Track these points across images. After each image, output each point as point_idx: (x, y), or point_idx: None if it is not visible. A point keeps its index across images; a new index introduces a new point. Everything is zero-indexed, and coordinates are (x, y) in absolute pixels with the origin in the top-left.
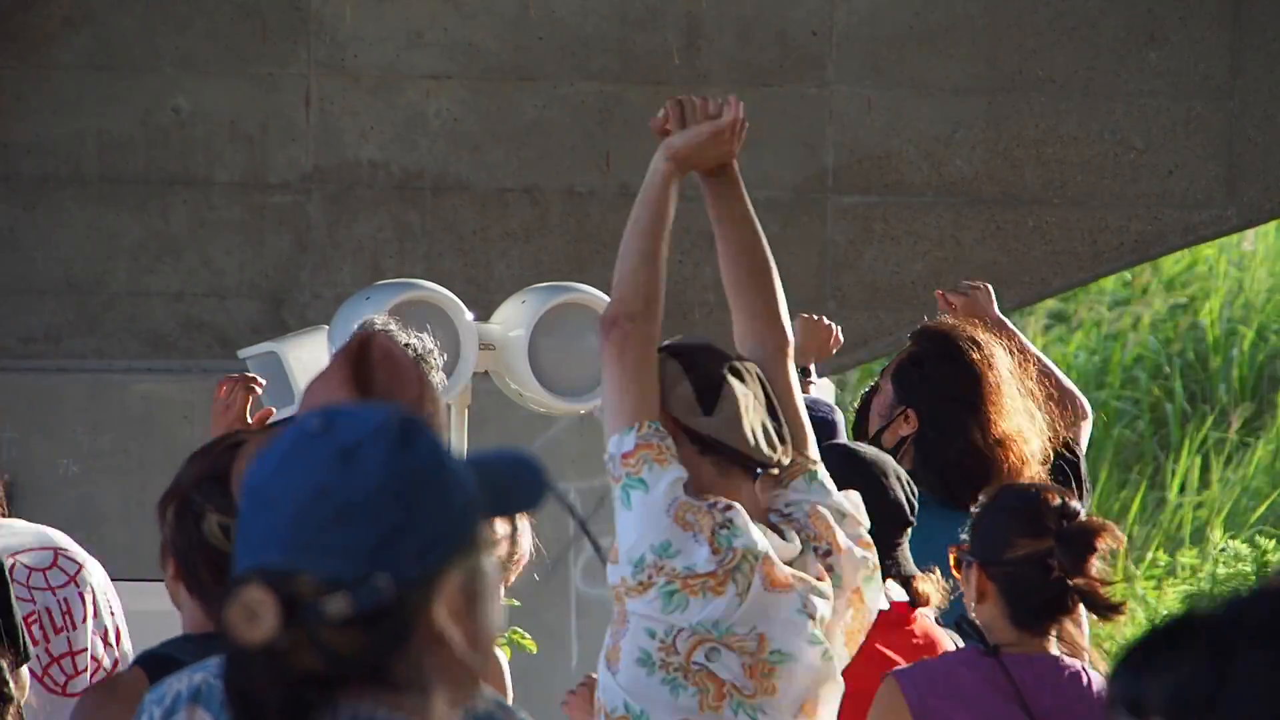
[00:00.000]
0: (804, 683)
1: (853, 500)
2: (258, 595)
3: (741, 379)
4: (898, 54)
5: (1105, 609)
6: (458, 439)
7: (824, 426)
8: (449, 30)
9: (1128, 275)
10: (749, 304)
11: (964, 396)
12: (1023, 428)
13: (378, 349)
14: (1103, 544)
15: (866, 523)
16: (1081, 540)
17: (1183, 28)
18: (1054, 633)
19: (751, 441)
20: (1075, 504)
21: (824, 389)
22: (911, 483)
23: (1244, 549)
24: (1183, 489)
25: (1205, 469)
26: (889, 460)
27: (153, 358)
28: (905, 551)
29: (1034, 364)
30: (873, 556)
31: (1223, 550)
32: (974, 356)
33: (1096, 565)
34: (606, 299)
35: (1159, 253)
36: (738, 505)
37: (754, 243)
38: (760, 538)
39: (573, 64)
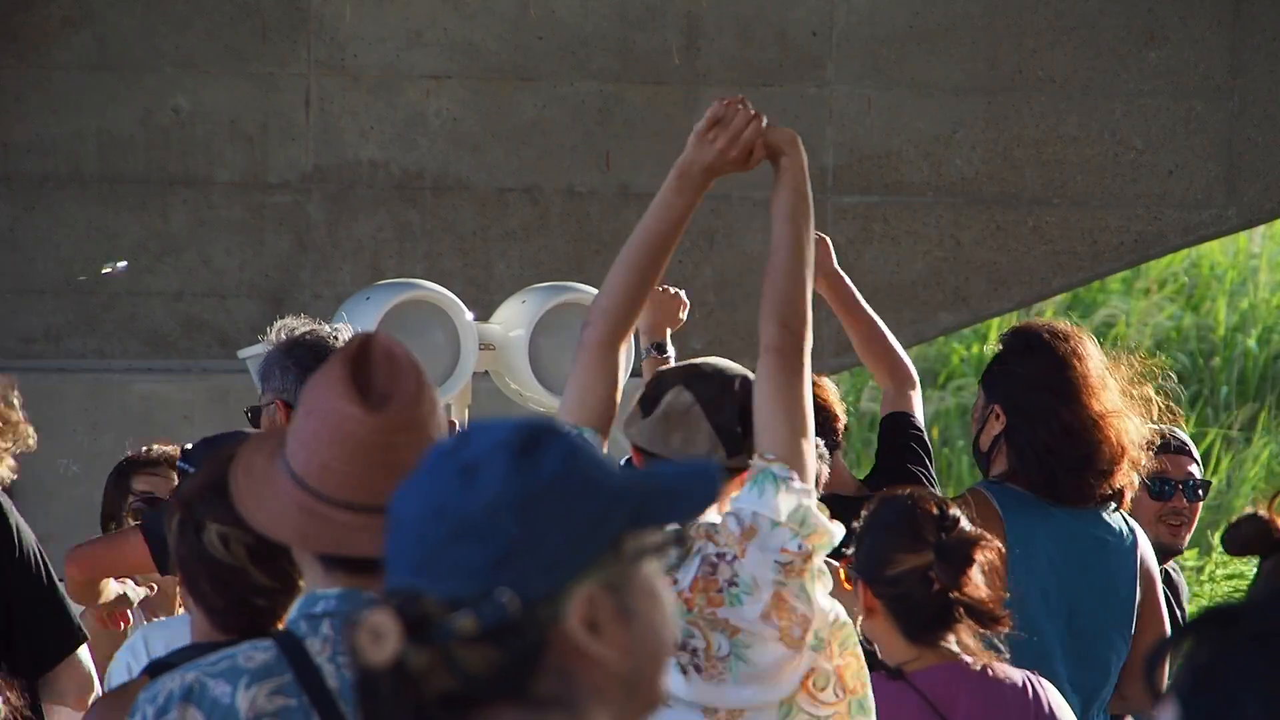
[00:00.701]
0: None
1: (808, 500)
2: (382, 617)
3: (697, 387)
4: (897, 54)
5: (989, 620)
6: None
7: None
8: (449, 30)
9: (1128, 275)
10: (764, 293)
11: (1046, 381)
12: (1119, 407)
13: (379, 349)
14: (981, 555)
15: (806, 530)
16: (959, 553)
17: (1183, 27)
18: (951, 639)
19: (672, 445)
20: (954, 512)
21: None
22: None
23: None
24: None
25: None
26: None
27: (153, 358)
28: None
29: (866, 322)
30: (799, 564)
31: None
32: (1056, 345)
33: (975, 576)
34: None
35: (1159, 253)
36: None
37: (775, 242)
38: None
39: (573, 64)
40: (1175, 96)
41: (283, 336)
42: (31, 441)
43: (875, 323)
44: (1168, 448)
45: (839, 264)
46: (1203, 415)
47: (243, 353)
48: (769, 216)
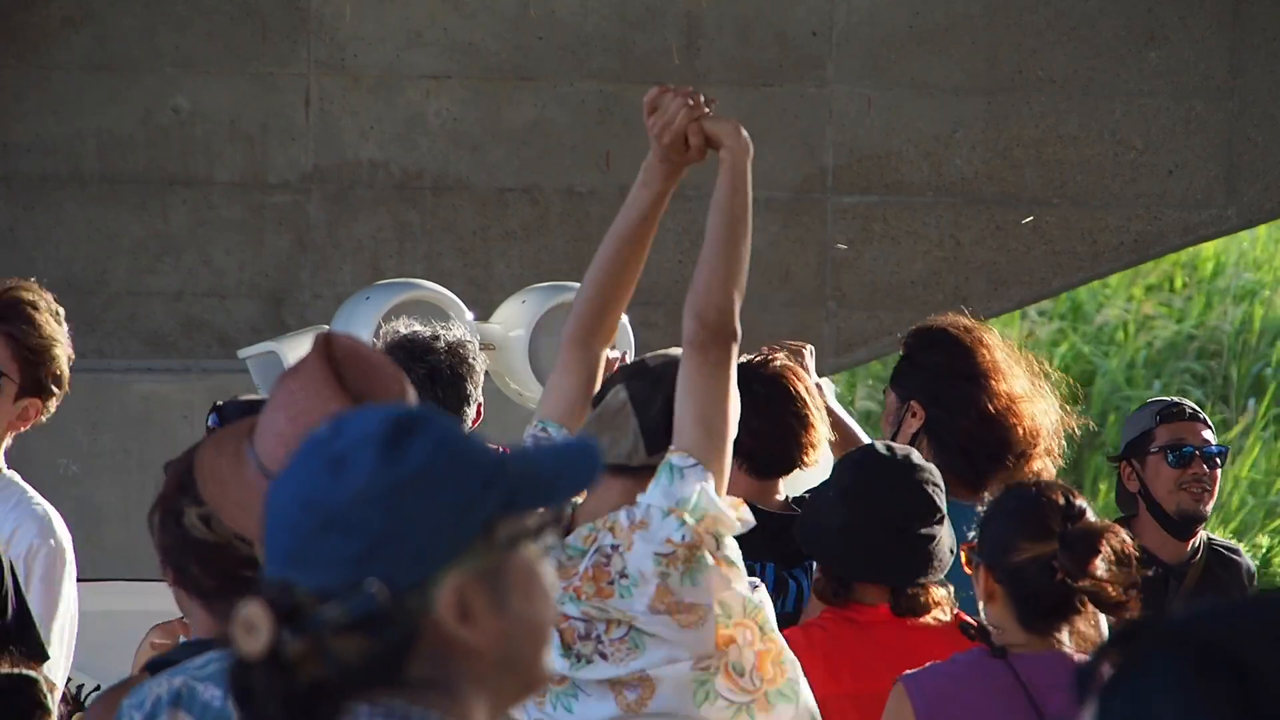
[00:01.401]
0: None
1: (699, 489)
2: (255, 609)
3: (635, 385)
4: (897, 54)
5: (1113, 607)
6: None
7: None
8: (449, 30)
9: (1132, 274)
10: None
11: (961, 371)
12: (1028, 389)
13: (340, 349)
14: (1106, 545)
15: (697, 514)
16: (1084, 543)
17: (1183, 27)
18: (1064, 631)
19: (604, 446)
20: (1080, 502)
21: (826, 389)
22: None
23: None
24: None
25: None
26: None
27: (153, 357)
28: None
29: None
30: (683, 553)
31: None
32: (960, 336)
33: (1101, 566)
34: None
35: (1159, 252)
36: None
37: (708, 229)
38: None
39: (572, 64)
40: (1175, 96)
41: (389, 337)
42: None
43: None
44: (1182, 415)
45: (839, 264)
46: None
47: (243, 352)
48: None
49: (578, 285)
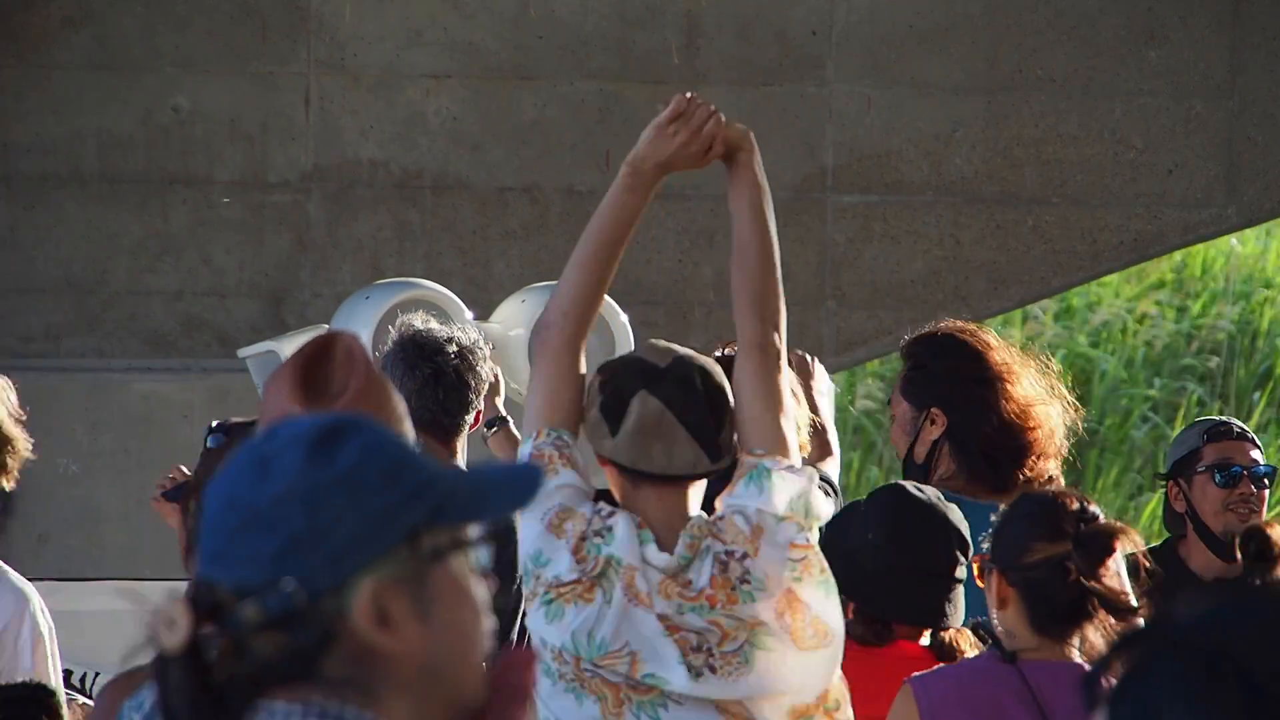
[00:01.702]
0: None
1: (799, 497)
2: (175, 605)
3: (661, 391)
4: (897, 53)
5: (1124, 612)
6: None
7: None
8: (449, 30)
9: (1133, 273)
10: (733, 296)
11: (975, 376)
12: (1040, 392)
13: (340, 349)
14: (1120, 546)
15: (821, 510)
16: (1098, 543)
17: (1182, 27)
18: (1075, 640)
19: (654, 458)
20: (1094, 508)
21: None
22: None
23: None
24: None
25: None
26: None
27: (152, 357)
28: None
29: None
30: (813, 557)
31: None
32: (966, 341)
33: (1114, 567)
34: (606, 299)
35: (1159, 252)
36: (625, 513)
37: (744, 236)
38: (632, 548)
39: (572, 63)
40: (1175, 96)
41: (404, 331)
42: (27, 450)
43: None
44: (1230, 434)
45: (838, 263)
46: (1207, 413)
47: (243, 352)
48: (732, 211)
49: None
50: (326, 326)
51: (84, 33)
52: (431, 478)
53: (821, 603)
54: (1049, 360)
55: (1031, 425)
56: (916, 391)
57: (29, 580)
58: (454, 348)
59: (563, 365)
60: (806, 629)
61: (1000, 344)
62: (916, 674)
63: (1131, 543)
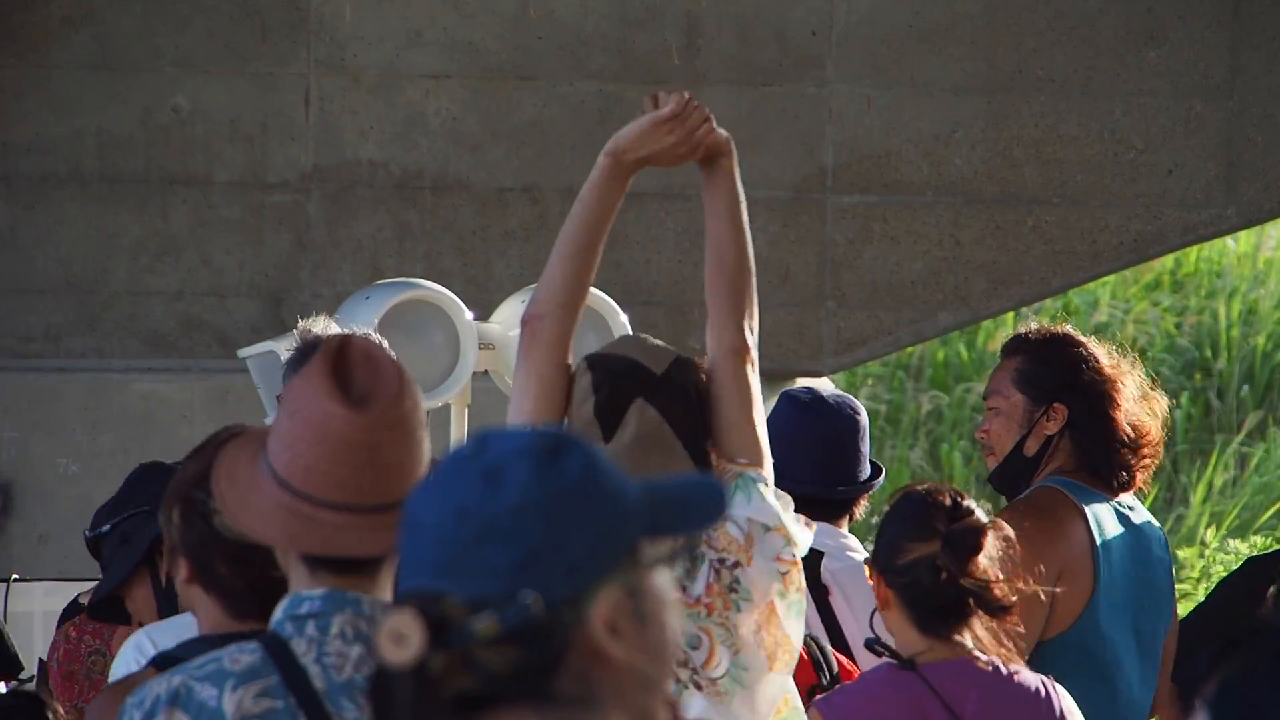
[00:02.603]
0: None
1: (784, 512)
2: (405, 618)
3: (659, 400)
4: (897, 53)
5: (997, 609)
6: (457, 438)
7: (852, 423)
8: (449, 30)
9: (1129, 275)
10: (710, 300)
11: (1099, 378)
12: (1143, 404)
13: (357, 350)
14: (989, 542)
15: (799, 537)
16: (966, 540)
17: (1182, 27)
18: (965, 635)
19: (649, 471)
20: (968, 503)
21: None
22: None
23: (1245, 549)
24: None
25: (1214, 473)
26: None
27: (152, 357)
28: None
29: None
30: (795, 574)
31: (1219, 549)
32: (1085, 342)
33: (983, 564)
34: (606, 298)
35: (1159, 252)
36: None
37: (724, 241)
38: None
39: (572, 64)
40: (1175, 96)
41: (303, 338)
42: None
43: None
44: None
45: (838, 264)
46: (1205, 416)
47: (243, 352)
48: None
49: None
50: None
51: (84, 33)
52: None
53: (793, 622)
54: (1141, 372)
55: (1144, 431)
56: (1036, 384)
57: (29, 580)
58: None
59: (557, 358)
60: (778, 649)
61: (1106, 350)
62: (820, 697)
63: (1004, 539)
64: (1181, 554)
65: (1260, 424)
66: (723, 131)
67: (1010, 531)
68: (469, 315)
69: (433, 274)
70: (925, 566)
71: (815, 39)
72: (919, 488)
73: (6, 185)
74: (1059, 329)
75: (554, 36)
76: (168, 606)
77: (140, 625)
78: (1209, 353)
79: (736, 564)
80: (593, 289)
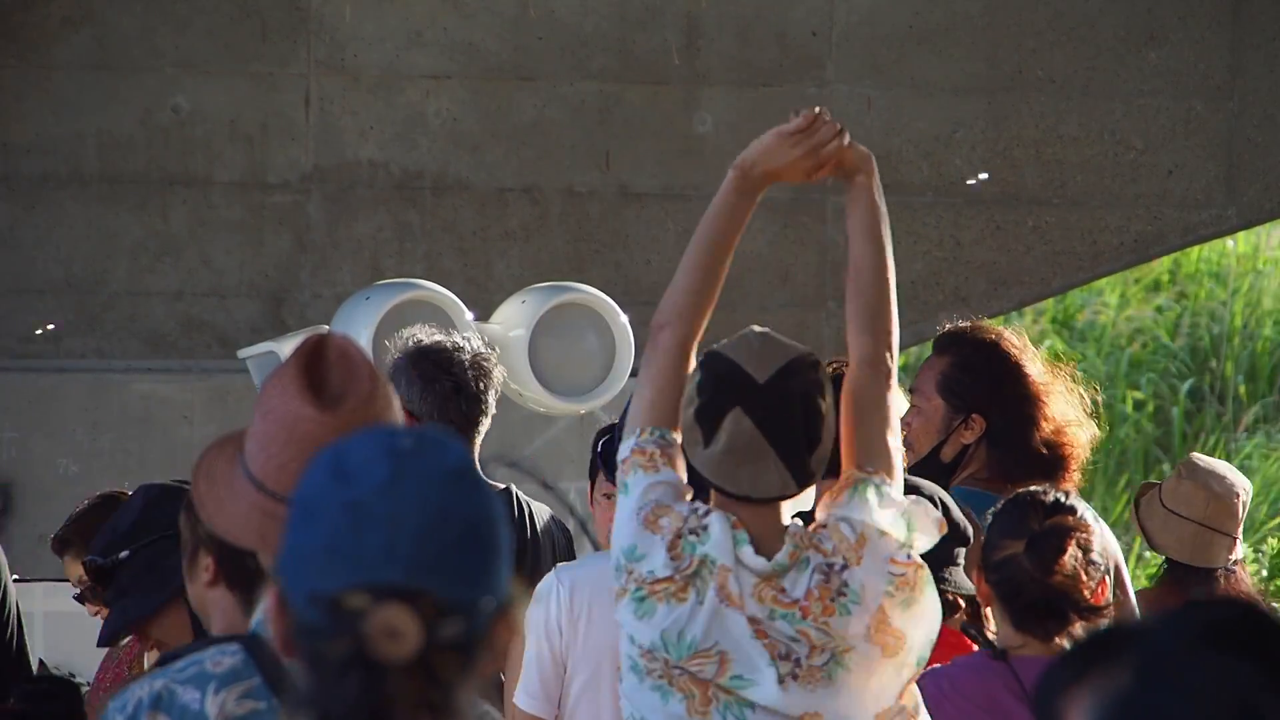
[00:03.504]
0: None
1: (908, 517)
2: (398, 613)
3: (758, 411)
4: (897, 54)
5: (1085, 610)
6: None
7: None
8: (449, 30)
9: (1133, 274)
10: (848, 313)
11: (1024, 391)
12: (1074, 414)
13: (333, 349)
14: (1074, 545)
15: (919, 541)
16: (1048, 542)
17: (1182, 27)
18: (1065, 637)
19: (740, 482)
20: (1071, 503)
21: None
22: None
23: (1247, 550)
24: None
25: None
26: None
27: (153, 358)
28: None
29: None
30: (912, 574)
31: None
32: (1014, 352)
33: (1070, 564)
34: (606, 299)
35: (1159, 253)
36: (719, 513)
37: (860, 256)
38: (726, 547)
39: (573, 64)
40: (1175, 96)
41: (409, 345)
42: None
43: None
44: None
45: (838, 264)
46: (1207, 417)
47: (243, 353)
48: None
49: (578, 285)
50: (326, 328)
51: (84, 33)
52: None
53: (905, 620)
54: (1073, 375)
55: (1065, 443)
56: (958, 393)
57: (29, 580)
58: (467, 357)
59: (674, 364)
60: (891, 642)
61: (1035, 355)
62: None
63: (1087, 539)
64: None
65: (1258, 423)
66: (862, 148)
67: (1098, 535)
68: (469, 315)
69: (433, 274)
70: (1014, 564)
71: (815, 39)
72: (1034, 487)
73: (7, 185)
74: (991, 335)
75: (554, 37)
76: (204, 633)
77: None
78: (1208, 353)
79: (845, 566)
80: (592, 289)
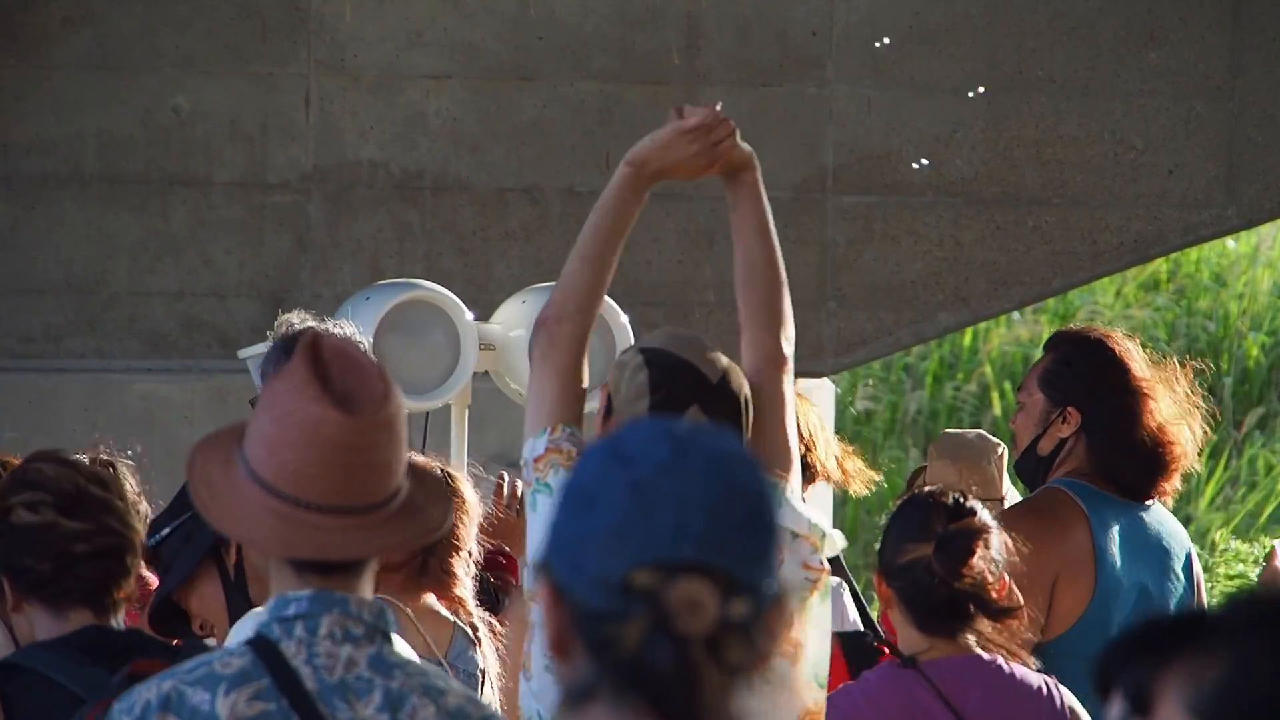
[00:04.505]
0: None
1: (813, 519)
2: (699, 586)
3: (714, 407)
4: (897, 54)
5: (996, 612)
6: (458, 439)
7: None
8: (449, 30)
9: (1130, 275)
10: (743, 312)
11: (1124, 385)
12: (1179, 414)
13: (329, 348)
14: (982, 546)
15: (827, 547)
16: (958, 544)
17: (1182, 27)
18: (968, 635)
19: None
20: (971, 505)
21: (825, 390)
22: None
23: (1246, 549)
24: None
25: (1210, 471)
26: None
27: (153, 358)
28: None
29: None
30: (823, 579)
31: (1225, 550)
32: (1117, 349)
33: (978, 566)
34: (606, 299)
35: (1159, 253)
36: None
37: (755, 253)
38: None
39: (573, 64)
40: (1175, 96)
41: (281, 331)
42: None
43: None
44: None
45: (838, 264)
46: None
47: (243, 353)
48: (735, 227)
49: None
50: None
51: (84, 33)
52: None
53: (808, 629)
54: (1180, 378)
55: (1169, 441)
56: (1057, 385)
57: None
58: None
59: (576, 359)
60: (789, 648)
61: (1144, 359)
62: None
63: (1001, 542)
64: None
65: (1259, 423)
66: (746, 146)
67: (1007, 537)
68: (469, 316)
69: (433, 274)
70: (921, 568)
71: (816, 39)
72: (927, 490)
73: (6, 185)
74: (1098, 332)
75: (554, 37)
76: (239, 599)
77: (201, 628)
78: (1207, 353)
79: None
80: None
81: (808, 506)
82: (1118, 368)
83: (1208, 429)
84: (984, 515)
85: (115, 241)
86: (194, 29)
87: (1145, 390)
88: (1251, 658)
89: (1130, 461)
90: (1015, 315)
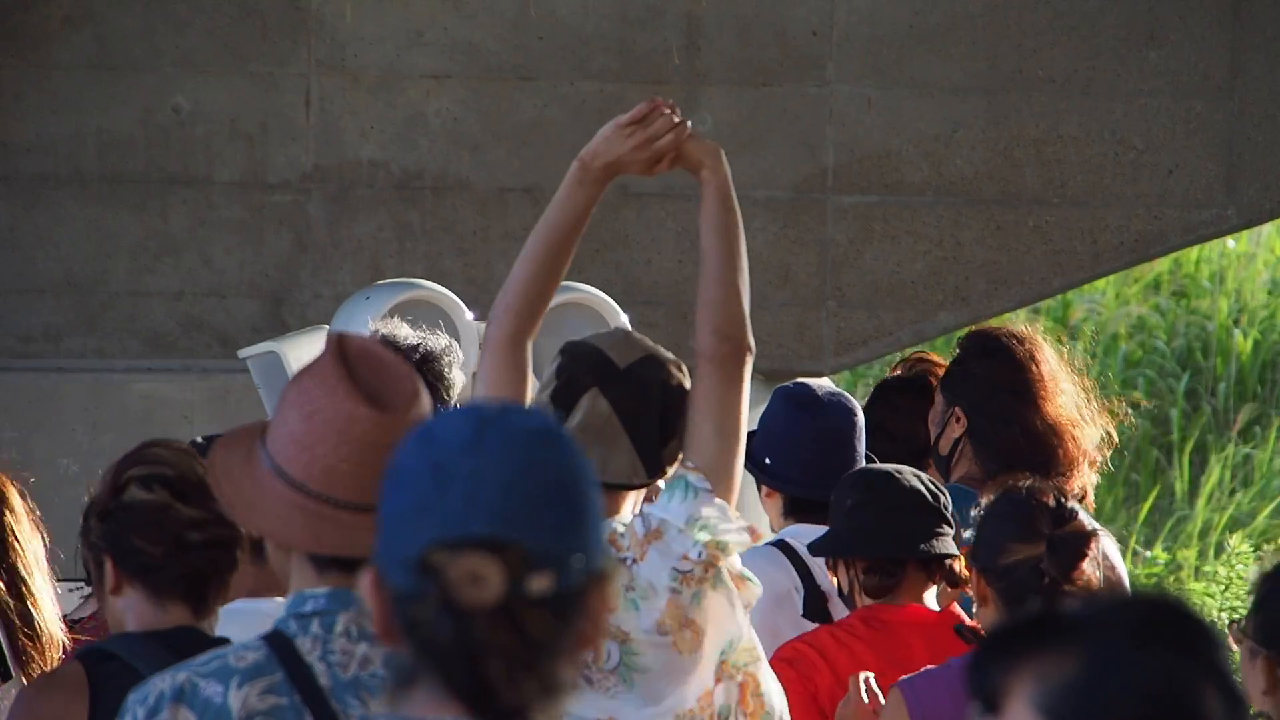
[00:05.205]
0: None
1: (714, 509)
2: (480, 560)
3: (615, 392)
4: (898, 54)
5: None
6: None
7: (847, 422)
8: (449, 30)
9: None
10: (698, 304)
11: (1008, 385)
12: (1075, 416)
13: (353, 347)
14: (1094, 549)
15: (724, 535)
16: (1071, 547)
17: (1183, 27)
18: None
19: (593, 461)
20: (1072, 506)
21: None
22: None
23: (1246, 549)
24: (1190, 492)
25: (1206, 471)
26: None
27: (153, 357)
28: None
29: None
30: (700, 572)
31: (1223, 550)
32: (1015, 347)
33: (1088, 571)
34: (606, 299)
35: (1159, 252)
36: None
37: (707, 249)
38: None
39: (573, 64)
40: (1175, 96)
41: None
42: None
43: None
44: None
45: (838, 264)
46: (1198, 412)
47: (243, 353)
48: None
49: (578, 285)
50: (327, 328)
51: (84, 33)
52: None
53: (702, 614)
54: (1087, 381)
55: (1054, 443)
56: (950, 386)
57: None
58: (418, 354)
59: (520, 357)
60: (686, 635)
61: (1051, 358)
62: (905, 677)
63: (1106, 545)
64: (1178, 555)
65: (1255, 423)
66: (710, 143)
67: (1112, 541)
68: (469, 315)
69: (433, 274)
70: (1028, 569)
71: (816, 39)
72: (1020, 486)
73: (6, 185)
74: (1005, 332)
75: (555, 37)
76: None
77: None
78: (1207, 353)
79: (634, 561)
80: (592, 289)
81: (712, 504)
82: (1008, 370)
83: (1112, 434)
84: (1086, 517)
85: (115, 241)
86: (194, 29)
87: (1038, 392)
88: (1101, 655)
89: (1014, 463)
90: (1015, 315)
